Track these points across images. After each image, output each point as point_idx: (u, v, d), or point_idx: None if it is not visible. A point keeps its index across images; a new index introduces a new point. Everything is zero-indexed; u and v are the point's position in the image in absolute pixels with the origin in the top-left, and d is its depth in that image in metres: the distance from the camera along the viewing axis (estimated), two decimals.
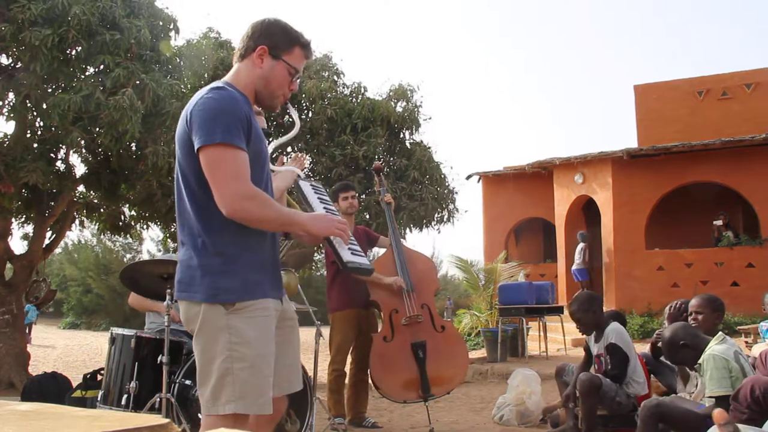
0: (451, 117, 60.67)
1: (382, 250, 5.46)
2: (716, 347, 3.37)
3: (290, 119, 10.63)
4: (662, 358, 4.57)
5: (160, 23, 7.55)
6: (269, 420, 2.29)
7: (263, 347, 2.10)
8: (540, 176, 14.20)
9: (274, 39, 2.23)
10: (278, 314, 2.23)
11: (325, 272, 5.48)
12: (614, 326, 4.48)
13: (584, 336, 4.73)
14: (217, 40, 10.13)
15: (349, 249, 2.28)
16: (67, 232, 9.79)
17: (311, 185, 2.49)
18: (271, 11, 56.48)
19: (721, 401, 3.16)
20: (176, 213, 2.22)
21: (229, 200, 2.01)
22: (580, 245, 12.65)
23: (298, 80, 2.34)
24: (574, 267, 12.73)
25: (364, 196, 9.82)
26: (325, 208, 2.44)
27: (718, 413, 2.25)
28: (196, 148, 2.05)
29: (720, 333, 3.53)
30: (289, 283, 4.09)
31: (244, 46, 2.25)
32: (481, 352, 10.25)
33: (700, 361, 3.42)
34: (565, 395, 4.57)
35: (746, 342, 8.29)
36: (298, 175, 2.55)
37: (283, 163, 3.49)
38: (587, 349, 4.71)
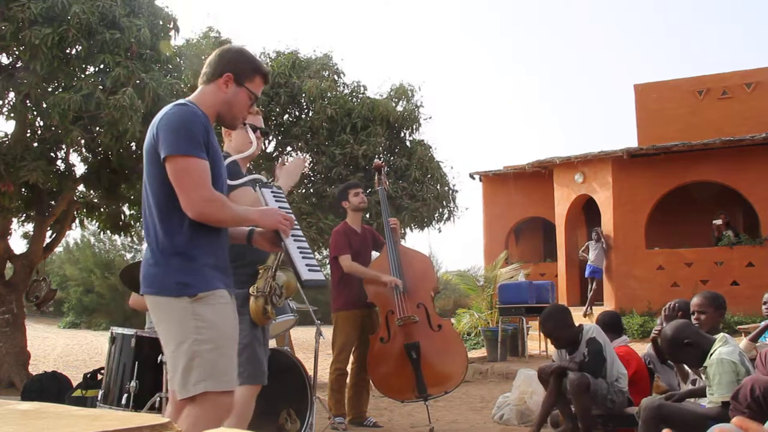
0: (452, 116, 60.60)
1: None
2: (723, 350, 3.33)
3: (291, 118, 10.62)
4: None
5: (160, 22, 7.54)
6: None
7: (226, 329, 2.35)
8: (540, 176, 14.19)
9: (239, 67, 2.48)
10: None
11: (328, 272, 5.48)
12: (590, 325, 4.50)
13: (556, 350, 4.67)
14: (217, 40, 10.12)
15: (307, 266, 2.52)
16: (68, 232, 9.79)
17: (272, 191, 2.71)
18: (271, 11, 56.44)
19: (729, 405, 3.14)
20: (143, 218, 2.46)
21: (195, 204, 2.27)
22: (602, 242, 12.46)
23: (255, 103, 2.60)
24: (592, 264, 12.42)
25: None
26: (282, 208, 2.63)
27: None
28: (162, 156, 2.29)
29: (722, 334, 3.51)
30: (289, 282, 4.08)
31: (210, 71, 2.48)
32: (481, 352, 10.25)
33: (706, 364, 3.39)
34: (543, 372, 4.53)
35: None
36: (261, 181, 2.75)
37: (284, 164, 3.51)
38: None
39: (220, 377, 2.28)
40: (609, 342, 4.50)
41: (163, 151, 2.28)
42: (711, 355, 3.37)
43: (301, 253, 2.52)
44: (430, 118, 12.90)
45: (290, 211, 2.64)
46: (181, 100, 2.44)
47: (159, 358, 3.85)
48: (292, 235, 2.52)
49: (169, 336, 2.32)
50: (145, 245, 2.57)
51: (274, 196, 2.66)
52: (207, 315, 2.29)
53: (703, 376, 3.52)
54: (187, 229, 2.31)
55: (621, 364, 4.43)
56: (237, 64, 2.47)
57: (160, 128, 2.31)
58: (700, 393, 3.64)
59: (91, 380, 5.41)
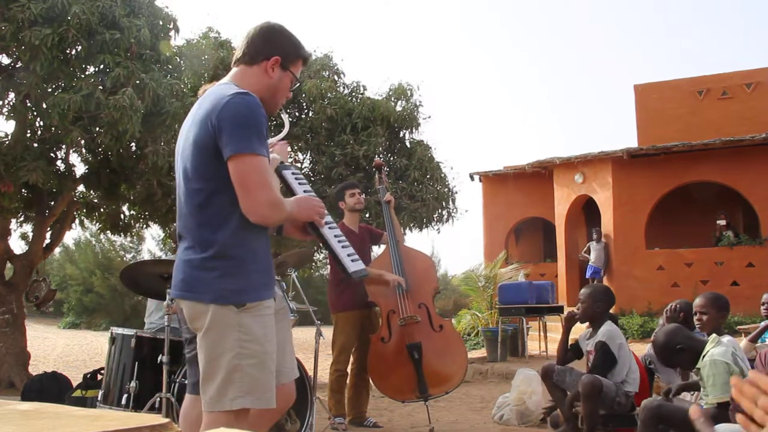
0: (451, 116, 60.69)
1: (383, 247, 5.45)
2: (715, 351, 3.32)
3: (291, 118, 10.61)
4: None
5: (160, 22, 7.54)
6: (284, 407, 2.45)
7: (269, 344, 2.18)
8: (540, 176, 14.20)
9: (286, 50, 2.29)
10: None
11: (327, 272, 5.47)
12: (609, 326, 4.47)
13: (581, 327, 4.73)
14: (217, 40, 10.12)
15: (349, 256, 2.38)
16: (67, 232, 9.79)
17: (292, 172, 2.51)
18: (271, 11, 56.40)
19: (724, 407, 3.14)
20: (179, 214, 2.25)
21: (260, 208, 2.08)
22: (603, 242, 12.50)
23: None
24: (593, 264, 12.44)
25: (364, 196, 9.81)
26: (306, 193, 2.45)
27: (692, 409, 2.25)
28: (228, 155, 2.06)
29: (714, 335, 3.49)
30: None
31: (255, 53, 2.25)
32: (481, 352, 10.25)
33: (699, 366, 3.39)
34: (568, 401, 4.54)
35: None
36: (281, 162, 2.55)
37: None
38: (574, 347, 4.70)
39: (261, 394, 2.13)
40: (625, 344, 4.48)
41: (231, 147, 2.05)
42: (703, 356, 3.37)
43: (339, 242, 2.36)
44: (430, 117, 12.94)
45: (314, 194, 2.45)
46: (236, 87, 2.17)
47: (159, 359, 3.85)
48: (326, 223, 2.35)
49: (206, 345, 2.14)
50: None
51: (295, 178, 2.48)
52: (253, 328, 2.12)
53: (700, 379, 3.52)
54: (235, 229, 2.12)
55: (636, 370, 4.39)
56: (285, 47, 2.28)
57: (224, 120, 2.07)
58: (694, 386, 3.64)
59: (91, 380, 5.41)
